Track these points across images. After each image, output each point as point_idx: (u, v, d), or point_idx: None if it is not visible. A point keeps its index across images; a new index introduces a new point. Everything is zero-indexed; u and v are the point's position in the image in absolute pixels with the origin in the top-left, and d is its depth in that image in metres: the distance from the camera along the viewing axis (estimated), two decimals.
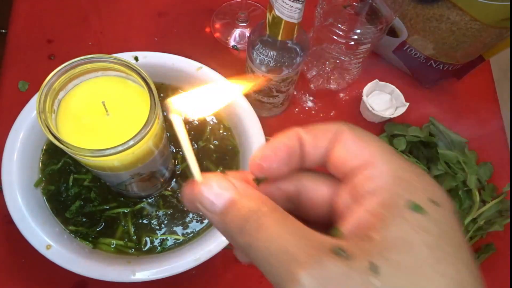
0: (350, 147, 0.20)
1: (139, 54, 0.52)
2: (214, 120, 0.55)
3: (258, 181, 0.21)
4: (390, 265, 0.16)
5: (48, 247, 0.44)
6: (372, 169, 0.19)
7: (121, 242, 0.48)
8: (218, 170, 0.53)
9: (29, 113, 0.49)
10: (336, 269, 0.16)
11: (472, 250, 0.19)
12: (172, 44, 0.66)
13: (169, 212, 0.50)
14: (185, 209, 0.51)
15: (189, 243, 0.49)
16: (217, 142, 0.54)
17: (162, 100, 0.55)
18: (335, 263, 0.16)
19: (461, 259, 0.17)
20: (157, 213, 0.50)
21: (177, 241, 0.49)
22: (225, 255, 0.53)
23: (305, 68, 0.66)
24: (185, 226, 0.50)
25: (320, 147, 0.21)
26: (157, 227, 0.50)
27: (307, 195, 0.22)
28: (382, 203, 0.18)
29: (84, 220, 0.49)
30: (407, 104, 0.61)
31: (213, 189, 0.19)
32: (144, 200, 0.51)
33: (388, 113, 0.61)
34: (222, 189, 0.19)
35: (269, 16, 0.45)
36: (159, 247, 0.49)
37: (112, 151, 0.33)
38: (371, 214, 0.18)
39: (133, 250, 0.48)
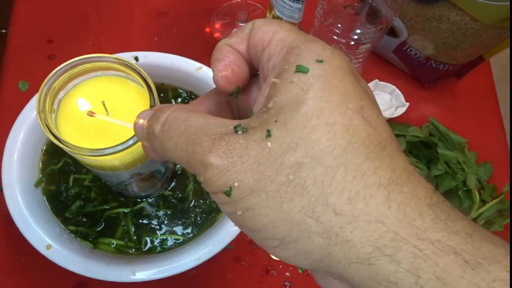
0: (258, 33, 0.21)
1: (139, 54, 0.52)
2: None
3: (234, 93, 0.22)
4: (279, 127, 0.17)
5: (48, 247, 0.44)
6: (270, 48, 0.20)
7: (121, 242, 0.48)
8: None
9: (29, 113, 0.49)
10: (237, 144, 0.17)
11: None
12: (172, 44, 0.66)
13: (169, 212, 0.50)
14: (185, 209, 0.51)
15: (189, 243, 0.49)
16: None
17: (162, 100, 0.55)
18: (235, 139, 0.17)
19: (348, 106, 0.17)
20: (157, 213, 0.50)
21: (177, 241, 0.49)
22: (225, 255, 0.53)
23: None
24: (185, 226, 0.50)
25: (244, 44, 0.22)
26: (157, 227, 0.50)
27: (242, 98, 0.23)
28: (276, 74, 0.19)
29: (84, 220, 0.49)
30: (407, 104, 0.61)
31: (138, 122, 0.22)
32: (144, 200, 0.51)
33: (388, 113, 0.61)
34: (145, 117, 0.21)
35: (269, 16, 0.45)
36: (159, 247, 0.49)
37: (112, 150, 0.33)
38: (269, 87, 0.19)
39: (133, 250, 0.48)
